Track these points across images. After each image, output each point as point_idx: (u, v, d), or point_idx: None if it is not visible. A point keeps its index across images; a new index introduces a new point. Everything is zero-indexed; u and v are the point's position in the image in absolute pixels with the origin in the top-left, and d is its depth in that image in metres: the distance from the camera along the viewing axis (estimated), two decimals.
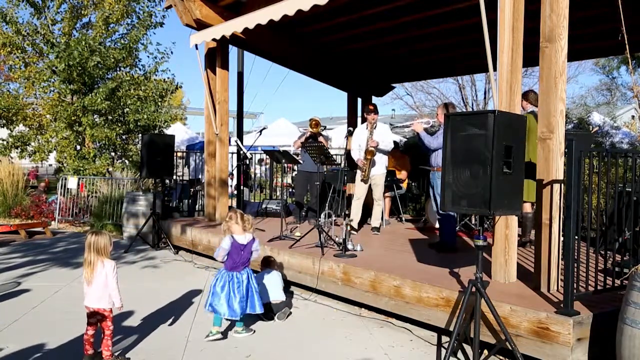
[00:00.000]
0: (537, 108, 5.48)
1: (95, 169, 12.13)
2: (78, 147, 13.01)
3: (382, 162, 6.98)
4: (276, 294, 4.75)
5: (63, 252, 7.92)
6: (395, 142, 9.76)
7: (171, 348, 3.95)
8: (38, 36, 13.07)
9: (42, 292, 5.44)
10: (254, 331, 4.31)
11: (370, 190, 6.99)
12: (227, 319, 4.19)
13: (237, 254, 4.16)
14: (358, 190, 6.96)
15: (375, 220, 7.10)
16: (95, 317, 3.57)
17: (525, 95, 5.64)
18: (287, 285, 5.37)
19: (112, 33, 13.73)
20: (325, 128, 8.16)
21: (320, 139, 7.53)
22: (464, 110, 19.48)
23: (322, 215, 7.04)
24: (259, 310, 4.24)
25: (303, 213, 8.40)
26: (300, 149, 7.82)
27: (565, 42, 3.94)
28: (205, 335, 4.14)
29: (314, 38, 8.67)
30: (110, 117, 13.07)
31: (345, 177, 7.47)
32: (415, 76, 13.01)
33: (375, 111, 6.84)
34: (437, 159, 5.67)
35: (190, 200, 9.99)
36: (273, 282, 4.81)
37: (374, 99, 10.80)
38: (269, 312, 4.64)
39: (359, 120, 10.50)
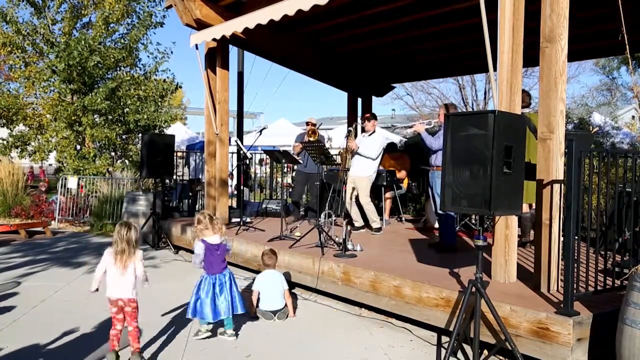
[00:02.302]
0: (525, 109, 5.51)
1: (95, 169, 12.13)
2: (78, 147, 13.01)
3: (365, 165, 6.95)
4: (276, 303, 4.69)
5: (63, 251, 7.92)
6: (393, 143, 9.80)
7: (171, 348, 3.96)
8: (38, 36, 13.07)
9: (42, 292, 5.44)
10: (237, 335, 4.23)
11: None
12: (210, 323, 4.11)
13: (213, 255, 4.09)
14: (347, 193, 7.08)
15: (372, 222, 7.07)
16: (122, 311, 3.61)
17: None
18: (291, 285, 5.36)
19: (112, 33, 13.72)
20: (320, 125, 8.14)
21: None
22: (465, 110, 19.47)
23: (322, 215, 7.05)
24: (240, 310, 4.16)
25: (302, 212, 8.41)
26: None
27: (565, 42, 3.94)
28: (194, 333, 4.14)
29: (314, 38, 8.67)
30: (110, 117, 13.06)
31: (346, 177, 7.49)
32: (415, 76, 13.01)
33: (369, 119, 7.07)
34: (437, 158, 5.67)
35: (190, 200, 9.99)
36: (274, 287, 4.74)
37: (374, 99, 10.81)
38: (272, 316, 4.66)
39: (359, 120, 10.51)
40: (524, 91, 5.73)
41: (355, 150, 6.94)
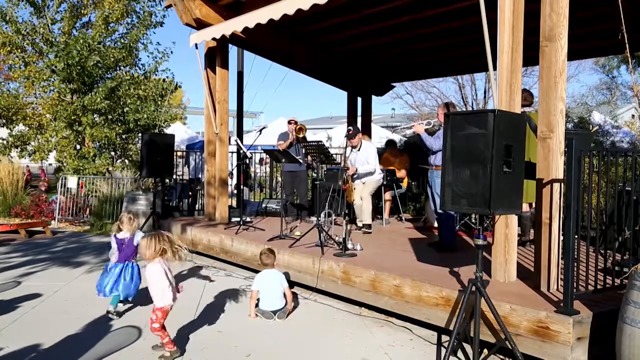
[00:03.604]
0: (527, 108, 5.51)
1: (95, 169, 12.13)
2: (78, 147, 13.01)
3: (372, 172, 7.26)
4: (275, 302, 4.70)
5: (63, 251, 7.91)
6: (392, 141, 9.79)
7: None
8: (37, 35, 13.07)
9: (42, 291, 5.43)
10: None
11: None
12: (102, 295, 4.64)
13: (121, 247, 4.74)
14: (356, 194, 7.29)
15: (359, 219, 7.23)
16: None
17: None
18: (291, 285, 5.36)
19: (111, 32, 13.73)
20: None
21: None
22: (464, 109, 19.46)
23: (322, 215, 7.05)
24: (130, 296, 4.78)
25: (295, 211, 8.43)
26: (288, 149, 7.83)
27: (565, 41, 3.94)
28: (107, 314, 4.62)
29: (314, 37, 8.67)
30: (110, 117, 13.07)
31: (345, 177, 7.50)
32: (415, 75, 13.02)
33: (353, 136, 6.86)
34: (436, 158, 5.66)
35: (190, 200, 9.99)
36: (273, 286, 4.75)
37: (374, 98, 10.82)
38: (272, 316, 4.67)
39: (359, 120, 10.51)
40: (526, 90, 5.74)
41: (354, 172, 7.21)
